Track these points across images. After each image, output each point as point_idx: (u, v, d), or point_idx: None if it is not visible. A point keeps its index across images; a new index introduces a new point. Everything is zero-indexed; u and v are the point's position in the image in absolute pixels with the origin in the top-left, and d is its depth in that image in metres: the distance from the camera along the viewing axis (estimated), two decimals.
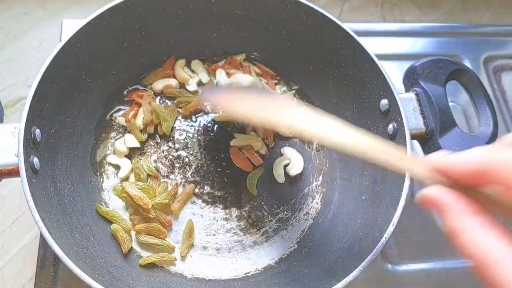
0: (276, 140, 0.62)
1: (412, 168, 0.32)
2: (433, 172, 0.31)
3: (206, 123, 0.61)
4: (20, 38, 0.70)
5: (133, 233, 0.54)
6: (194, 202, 0.57)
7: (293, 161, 0.60)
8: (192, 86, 0.63)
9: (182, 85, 0.63)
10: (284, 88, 0.65)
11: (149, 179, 0.57)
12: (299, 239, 0.56)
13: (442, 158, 0.30)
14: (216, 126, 0.61)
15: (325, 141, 0.37)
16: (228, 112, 0.47)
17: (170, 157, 0.59)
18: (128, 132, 0.59)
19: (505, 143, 0.29)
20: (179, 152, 0.59)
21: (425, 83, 0.53)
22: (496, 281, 0.25)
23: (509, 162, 0.27)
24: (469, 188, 0.29)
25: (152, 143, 0.59)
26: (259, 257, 0.55)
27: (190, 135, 0.60)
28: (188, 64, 0.64)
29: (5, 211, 0.58)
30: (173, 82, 0.62)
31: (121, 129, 0.60)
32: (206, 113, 0.62)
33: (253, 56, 0.65)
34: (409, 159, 0.34)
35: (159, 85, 0.62)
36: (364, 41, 0.53)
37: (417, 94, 0.53)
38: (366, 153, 0.34)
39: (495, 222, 0.27)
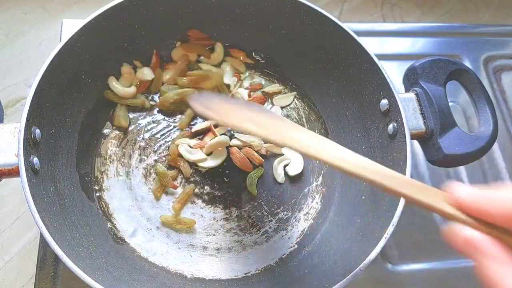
0: None
1: (433, 203, 0.29)
2: (457, 210, 0.28)
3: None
4: (20, 38, 0.70)
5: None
6: (194, 202, 0.57)
7: (293, 160, 0.60)
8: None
9: None
10: (283, 87, 0.65)
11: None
12: (299, 239, 0.56)
13: (468, 194, 0.28)
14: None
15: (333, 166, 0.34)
16: (218, 122, 0.46)
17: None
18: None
19: None
20: None
21: (425, 83, 0.53)
22: None
23: None
24: (501, 229, 0.27)
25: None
26: (259, 257, 0.55)
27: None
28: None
29: (5, 211, 0.58)
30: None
31: (121, 129, 0.59)
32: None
33: (256, 56, 0.65)
34: (429, 192, 0.30)
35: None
36: (364, 41, 0.53)
37: (417, 94, 0.53)
38: (380, 181, 0.31)
39: None
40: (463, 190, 0.28)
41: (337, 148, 0.34)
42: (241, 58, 0.65)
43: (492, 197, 0.27)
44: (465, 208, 0.28)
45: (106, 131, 0.59)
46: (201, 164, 0.58)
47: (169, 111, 0.61)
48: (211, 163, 0.58)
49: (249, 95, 0.63)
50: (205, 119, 0.60)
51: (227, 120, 0.39)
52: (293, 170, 0.59)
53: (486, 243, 0.26)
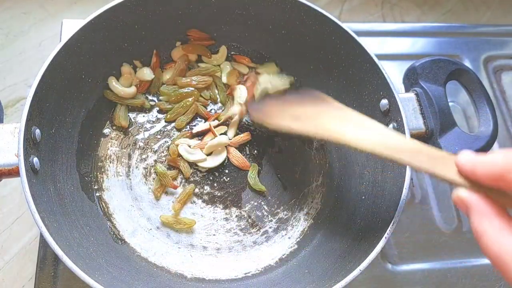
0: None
1: (442, 170, 0.33)
2: (461, 175, 0.32)
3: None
4: (20, 38, 0.70)
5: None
6: (194, 202, 0.57)
7: None
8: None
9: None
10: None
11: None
12: (299, 239, 0.56)
13: (469, 158, 0.32)
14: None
15: (355, 144, 0.40)
16: (273, 127, 0.49)
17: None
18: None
19: None
20: None
21: (425, 83, 0.53)
22: None
23: None
24: (494, 189, 0.30)
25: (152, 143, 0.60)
26: (259, 257, 0.55)
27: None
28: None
29: (5, 211, 0.58)
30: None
31: (121, 129, 0.59)
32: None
33: (258, 55, 0.65)
34: (439, 158, 0.34)
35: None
36: (364, 41, 0.53)
37: (417, 94, 0.53)
38: (398, 155, 0.36)
39: None
40: (463, 156, 0.32)
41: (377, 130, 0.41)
42: (245, 62, 0.65)
43: (481, 161, 0.30)
44: (462, 172, 0.32)
45: (106, 131, 0.59)
46: (201, 164, 0.58)
47: (168, 110, 0.61)
48: (211, 163, 0.58)
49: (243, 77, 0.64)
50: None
51: (278, 122, 0.44)
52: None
53: (474, 200, 0.30)
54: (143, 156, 0.58)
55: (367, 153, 0.40)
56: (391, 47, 0.77)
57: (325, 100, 0.47)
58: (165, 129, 0.60)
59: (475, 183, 0.31)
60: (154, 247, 0.54)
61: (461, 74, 0.54)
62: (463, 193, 0.31)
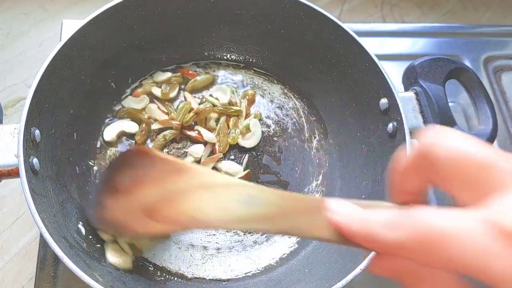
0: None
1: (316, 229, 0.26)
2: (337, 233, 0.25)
3: None
4: (20, 38, 0.70)
5: None
6: None
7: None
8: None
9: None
10: (281, 86, 0.65)
11: None
12: (299, 238, 0.56)
13: (347, 216, 0.24)
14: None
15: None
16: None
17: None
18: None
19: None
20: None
21: (425, 82, 0.53)
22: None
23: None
24: None
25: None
26: (260, 257, 0.55)
27: None
28: None
29: (5, 211, 0.58)
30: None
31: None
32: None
33: (258, 55, 0.65)
34: (312, 210, 0.27)
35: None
36: (363, 41, 0.53)
37: (416, 93, 0.53)
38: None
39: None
40: (340, 210, 0.25)
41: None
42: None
43: (377, 220, 0.23)
44: (347, 234, 0.24)
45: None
46: None
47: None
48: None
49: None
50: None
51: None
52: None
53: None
54: None
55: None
56: (391, 47, 0.77)
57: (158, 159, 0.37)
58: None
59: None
60: (154, 248, 0.54)
61: (461, 73, 0.54)
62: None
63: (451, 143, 0.23)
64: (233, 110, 0.60)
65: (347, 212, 0.25)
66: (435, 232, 0.20)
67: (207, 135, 0.58)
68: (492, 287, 0.19)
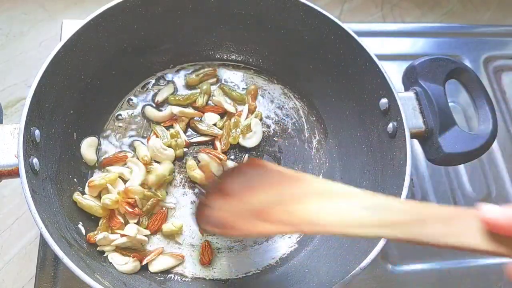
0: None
1: (461, 237, 0.27)
2: (491, 235, 0.26)
3: None
4: (20, 38, 0.71)
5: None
6: (194, 202, 0.57)
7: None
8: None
9: None
10: (281, 86, 0.65)
11: None
12: (299, 238, 0.56)
13: (499, 214, 0.25)
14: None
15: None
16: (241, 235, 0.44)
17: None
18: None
19: None
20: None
21: (425, 82, 0.53)
22: None
23: None
24: None
25: None
26: (260, 257, 0.55)
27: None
28: None
29: (5, 211, 0.58)
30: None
31: (121, 130, 0.60)
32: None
33: (258, 55, 0.65)
34: (453, 218, 0.28)
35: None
36: (364, 41, 0.53)
37: (416, 93, 0.53)
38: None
39: None
40: (492, 210, 0.25)
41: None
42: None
43: None
44: (499, 229, 0.25)
45: (106, 132, 0.59)
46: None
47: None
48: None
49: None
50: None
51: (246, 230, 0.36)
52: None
53: None
54: None
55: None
56: (391, 47, 0.77)
57: (278, 172, 0.38)
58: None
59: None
60: (154, 247, 0.54)
61: (461, 73, 0.54)
62: None
63: None
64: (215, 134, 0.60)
65: (500, 210, 0.25)
66: None
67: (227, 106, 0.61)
68: None
